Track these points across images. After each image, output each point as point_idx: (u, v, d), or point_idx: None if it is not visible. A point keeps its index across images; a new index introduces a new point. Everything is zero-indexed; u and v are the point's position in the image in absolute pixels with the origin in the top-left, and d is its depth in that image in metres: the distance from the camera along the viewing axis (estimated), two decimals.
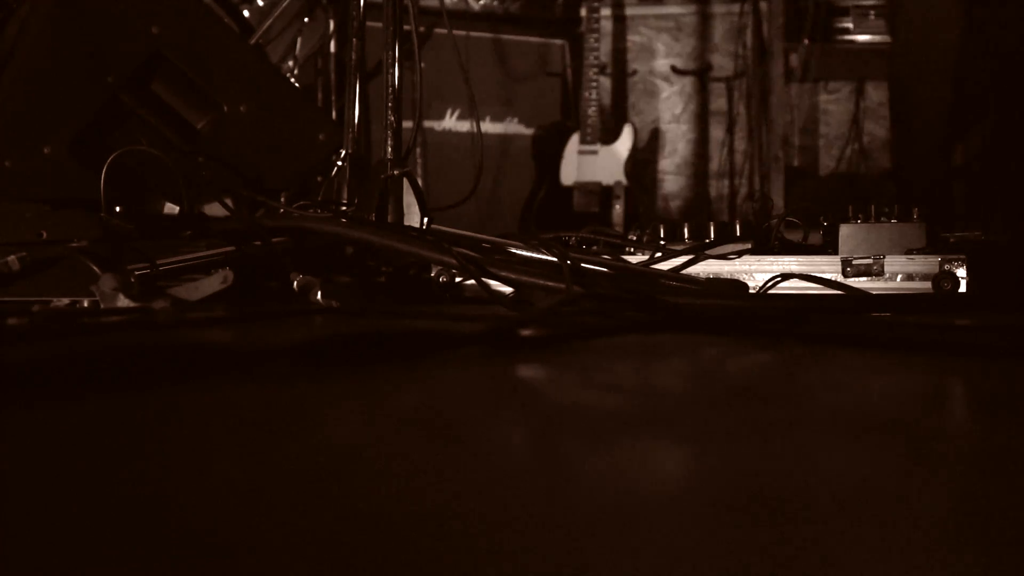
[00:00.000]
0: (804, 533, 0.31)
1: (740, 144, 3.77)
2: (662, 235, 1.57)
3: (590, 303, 1.08)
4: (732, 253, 1.42)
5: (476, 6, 3.43)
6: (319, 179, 1.98)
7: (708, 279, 1.38)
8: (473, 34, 3.31)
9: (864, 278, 1.37)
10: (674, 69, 3.81)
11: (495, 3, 3.45)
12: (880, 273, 1.37)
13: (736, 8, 3.70)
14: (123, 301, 1.10)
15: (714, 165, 3.81)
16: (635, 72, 3.84)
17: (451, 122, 3.35)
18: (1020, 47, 2.46)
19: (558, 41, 3.57)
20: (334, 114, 2.78)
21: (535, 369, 0.76)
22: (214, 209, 1.50)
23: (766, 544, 0.30)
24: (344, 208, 1.73)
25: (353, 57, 1.96)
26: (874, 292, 1.29)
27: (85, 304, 1.15)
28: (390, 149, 1.68)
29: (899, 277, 1.36)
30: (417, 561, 0.28)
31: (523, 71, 3.49)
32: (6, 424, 0.51)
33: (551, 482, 0.38)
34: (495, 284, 1.16)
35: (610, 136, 3.53)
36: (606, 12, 3.71)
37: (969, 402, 0.62)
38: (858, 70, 3.62)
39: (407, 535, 0.31)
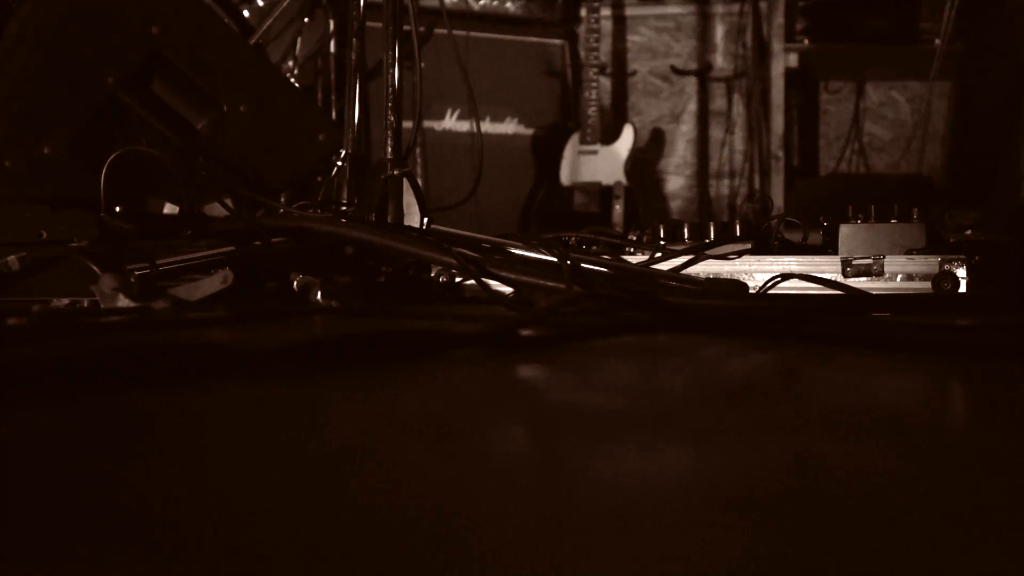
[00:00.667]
0: (803, 534, 0.31)
1: (740, 144, 3.77)
2: (662, 235, 1.57)
3: (590, 303, 1.08)
4: (732, 253, 1.42)
5: (476, 6, 3.43)
6: (319, 179, 1.98)
7: (708, 279, 1.38)
8: (473, 34, 3.31)
9: (864, 278, 1.37)
10: (674, 69, 3.81)
11: (495, 3, 3.45)
12: (880, 273, 1.37)
13: (736, 8, 3.70)
14: (123, 301, 1.10)
15: (714, 165, 3.81)
16: (635, 72, 3.84)
17: (451, 122, 3.35)
18: None
19: (558, 41, 3.57)
20: (334, 114, 2.78)
21: (535, 369, 0.76)
22: (214, 209, 1.50)
23: (766, 544, 0.30)
24: (344, 208, 1.73)
25: (353, 57, 1.96)
26: (874, 292, 1.29)
27: (85, 304, 1.15)
28: (390, 149, 1.68)
29: (899, 277, 1.36)
30: (417, 561, 0.28)
31: (523, 71, 3.49)
32: (6, 424, 0.51)
33: (551, 482, 0.38)
34: (495, 284, 1.16)
35: (610, 136, 3.53)
36: (606, 12, 3.71)
37: (970, 402, 0.62)
38: (859, 71, 3.62)
39: (406, 536, 0.31)
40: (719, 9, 3.77)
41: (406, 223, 1.66)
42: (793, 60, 3.41)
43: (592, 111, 3.48)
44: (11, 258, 1.22)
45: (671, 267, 1.39)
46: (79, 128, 1.45)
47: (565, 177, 3.49)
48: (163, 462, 0.42)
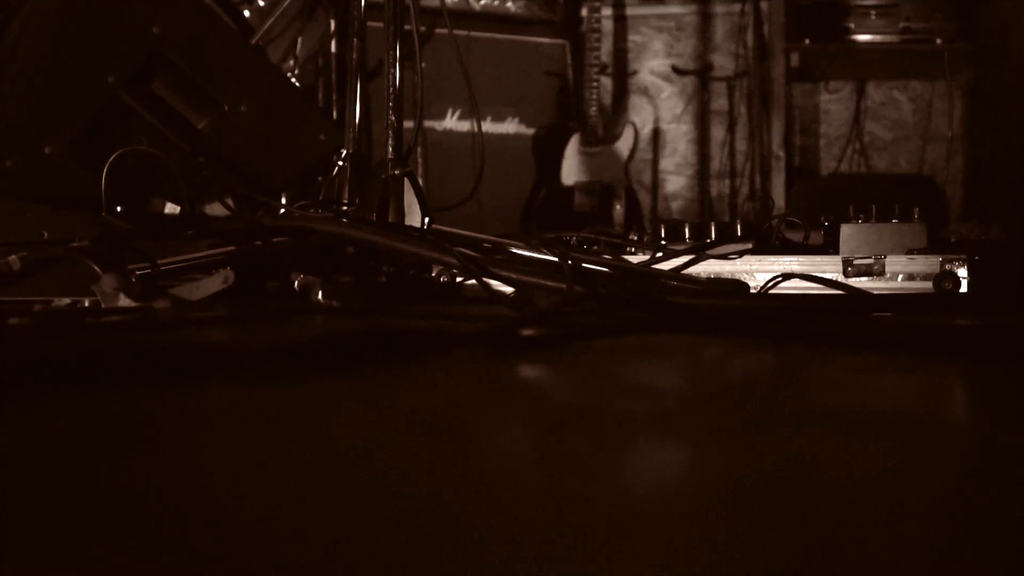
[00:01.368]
0: (804, 533, 0.31)
1: (741, 144, 3.77)
2: (663, 235, 1.57)
3: (591, 303, 1.08)
4: (733, 253, 1.42)
5: (477, 6, 3.43)
6: (319, 179, 1.98)
7: (709, 279, 1.37)
8: (474, 34, 3.31)
9: (865, 278, 1.37)
10: (675, 69, 3.81)
11: (496, 3, 3.45)
12: (881, 273, 1.37)
13: (737, 8, 3.70)
14: (124, 301, 1.10)
15: (715, 165, 3.81)
16: (636, 72, 3.84)
17: (452, 122, 3.35)
18: None
19: (559, 41, 3.57)
20: (335, 114, 2.78)
21: (536, 369, 0.76)
22: (215, 209, 1.50)
23: (765, 544, 0.30)
24: (345, 208, 1.73)
25: (354, 57, 1.96)
26: (875, 292, 1.29)
27: (86, 304, 1.15)
28: (391, 149, 1.68)
29: (900, 277, 1.36)
30: (416, 562, 0.28)
31: (524, 71, 3.49)
32: (6, 423, 0.51)
33: (550, 482, 0.38)
34: (496, 284, 1.16)
35: (611, 136, 3.53)
36: (607, 12, 3.71)
37: (970, 402, 0.62)
38: (859, 71, 3.62)
39: (406, 536, 0.31)
40: (720, 9, 3.77)
41: (407, 223, 1.66)
42: (794, 59, 3.40)
43: (593, 111, 3.48)
44: (12, 258, 1.22)
45: (672, 267, 1.39)
46: (80, 128, 1.45)
47: (566, 177, 3.49)
48: (163, 461, 0.42)
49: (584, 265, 1.22)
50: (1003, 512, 0.34)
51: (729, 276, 1.40)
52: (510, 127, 3.47)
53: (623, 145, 3.51)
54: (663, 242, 1.53)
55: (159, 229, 1.35)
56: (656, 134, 3.85)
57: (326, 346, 0.89)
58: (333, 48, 2.82)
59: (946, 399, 0.64)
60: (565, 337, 0.97)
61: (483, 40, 3.38)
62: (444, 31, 2.89)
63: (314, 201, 1.68)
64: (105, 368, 0.73)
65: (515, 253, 1.34)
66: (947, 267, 1.34)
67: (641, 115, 3.83)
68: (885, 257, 1.37)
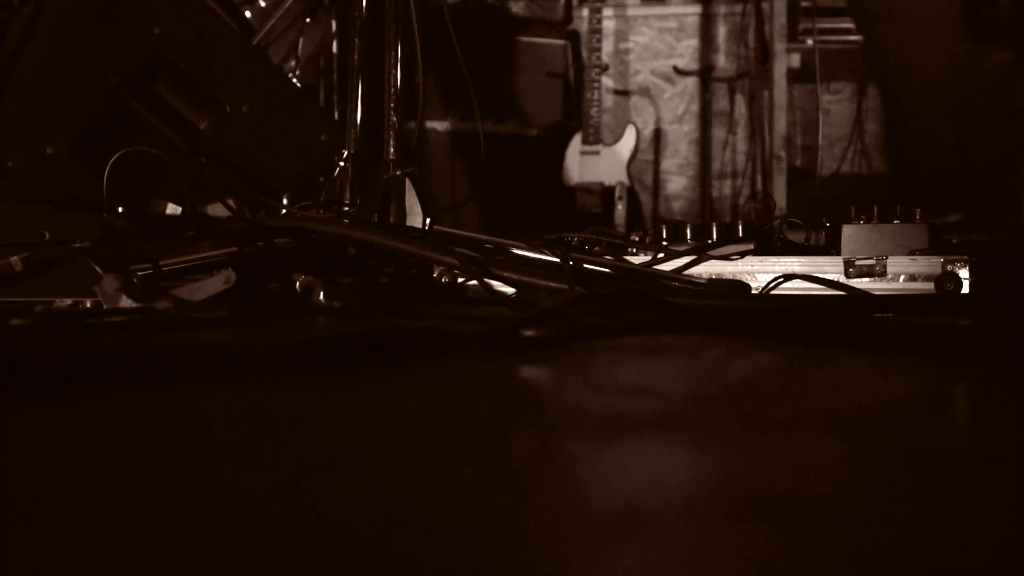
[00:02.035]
0: (803, 534, 0.31)
1: (742, 144, 3.77)
2: (664, 236, 1.57)
3: (593, 303, 1.08)
4: (735, 254, 1.42)
5: (478, 6, 3.43)
6: (320, 179, 1.98)
7: (710, 280, 1.38)
8: (476, 34, 3.31)
9: (867, 279, 1.37)
10: (676, 69, 3.81)
11: (497, 3, 3.45)
12: (883, 274, 1.37)
13: (738, 8, 3.70)
14: (126, 302, 1.10)
15: (716, 165, 3.81)
16: (637, 72, 3.84)
17: (453, 123, 3.35)
18: None
19: (560, 41, 3.57)
20: (336, 115, 2.78)
21: (536, 369, 0.76)
22: (217, 209, 1.50)
23: (766, 546, 0.30)
24: (346, 209, 1.73)
25: (355, 57, 1.96)
26: (876, 293, 1.29)
27: (88, 304, 1.15)
28: (392, 150, 1.68)
29: (901, 278, 1.36)
30: (416, 561, 0.28)
31: (525, 71, 3.49)
32: (7, 423, 0.51)
33: (550, 482, 0.38)
34: (497, 284, 1.16)
35: (612, 136, 3.53)
36: (608, 12, 3.71)
37: (971, 403, 0.62)
38: (861, 71, 3.62)
39: (405, 536, 0.31)
40: (721, 9, 3.77)
41: (408, 224, 1.66)
42: (795, 60, 3.40)
43: (594, 111, 3.48)
44: (14, 258, 1.22)
45: (673, 268, 1.39)
46: (82, 128, 1.46)
47: (567, 177, 3.49)
48: (163, 461, 0.42)
49: (585, 266, 1.22)
50: (1004, 513, 0.34)
51: (730, 277, 1.40)
52: (511, 127, 3.47)
53: (624, 146, 3.51)
54: (664, 243, 1.53)
55: (161, 229, 1.35)
56: (657, 135, 3.85)
57: (327, 347, 0.89)
58: (335, 49, 2.82)
59: (946, 399, 0.64)
60: (565, 338, 0.97)
61: (484, 40, 3.38)
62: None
63: (315, 202, 1.68)
64: (106, 369, 0.73)
65: (516, 254, 1.34)
66: (948, 268, 1.34)
67: (642, 116, 3.83)
68: (886, 258, 1.37)
